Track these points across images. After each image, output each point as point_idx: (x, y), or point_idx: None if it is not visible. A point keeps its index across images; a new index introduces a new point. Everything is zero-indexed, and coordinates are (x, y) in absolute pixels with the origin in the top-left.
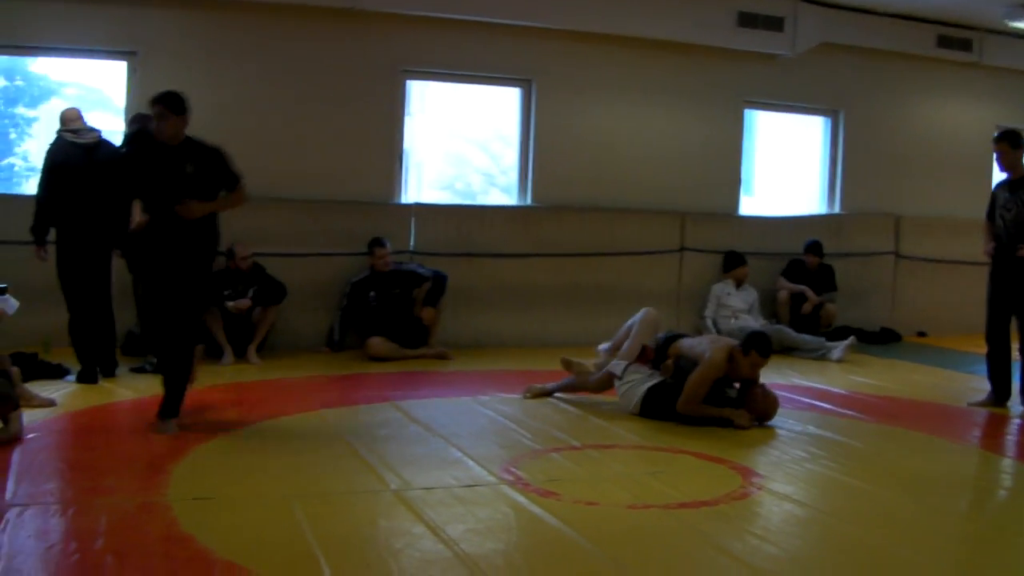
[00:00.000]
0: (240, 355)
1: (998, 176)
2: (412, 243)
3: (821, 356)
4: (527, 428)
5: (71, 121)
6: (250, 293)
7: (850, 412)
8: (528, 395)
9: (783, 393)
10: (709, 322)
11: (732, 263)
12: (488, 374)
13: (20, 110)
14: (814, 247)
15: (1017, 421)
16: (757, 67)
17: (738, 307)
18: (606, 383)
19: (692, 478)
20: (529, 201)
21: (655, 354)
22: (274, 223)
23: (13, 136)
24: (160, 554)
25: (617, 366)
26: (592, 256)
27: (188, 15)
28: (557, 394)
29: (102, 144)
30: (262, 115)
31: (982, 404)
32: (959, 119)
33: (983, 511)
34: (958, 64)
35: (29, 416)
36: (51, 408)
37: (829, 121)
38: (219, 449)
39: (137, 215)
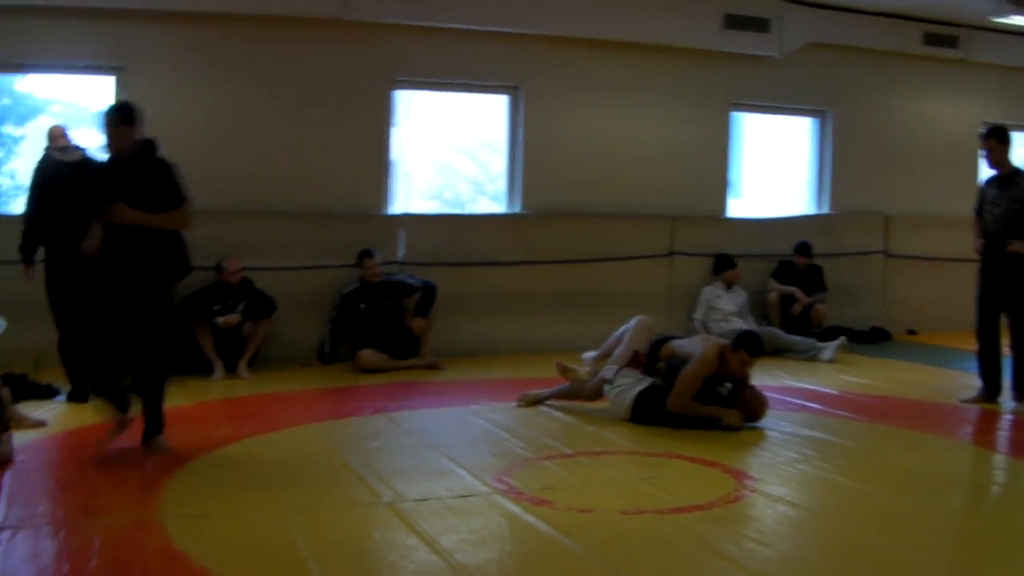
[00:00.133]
0: (231, 370)
1: (986, 172)
2: (400, 253)
3: (812, 357)
4: (519, 437)
5: (57, 139)
6: (240, 308)
7: (842, 412)
8: (522, 403)
9: (774, 395)
10: (698, 324)
11: (722, 266)
12: (480, 383)
13: (7, 129)
14: (803, 248)
15: (1009, 417)
16: (744, 69)
17: (728, 310)
18: (600, 391)
19: (685, 482)
20: (518, 208)
21: (647, 358)
22: (263, 235)
23: (0, 155)
24: (154, 572)
25: (608, 370)
26: (582, 262)
27: (175, 29)
28: (549, 401)
29: (88, 162)
30: (250, 128)
31: (973, 401)
32: (946, 116)
33: (977, 508)
34: (945, 61)
35: (19, 437)
36: (42, 429)
37: (817, 121)
38: (211, 465)
39: (96, 235)
